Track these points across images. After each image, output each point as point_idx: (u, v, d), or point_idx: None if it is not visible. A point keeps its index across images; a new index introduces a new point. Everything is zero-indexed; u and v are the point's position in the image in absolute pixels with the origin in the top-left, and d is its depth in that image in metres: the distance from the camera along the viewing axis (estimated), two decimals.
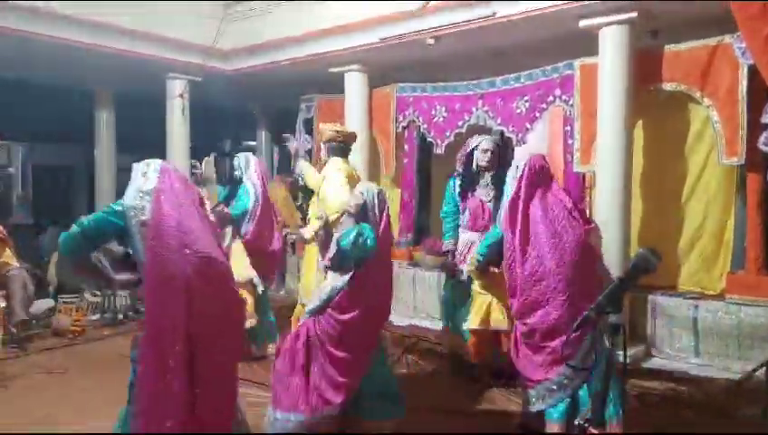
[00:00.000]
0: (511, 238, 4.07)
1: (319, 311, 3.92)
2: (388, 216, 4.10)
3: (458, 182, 5.46)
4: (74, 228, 3.17)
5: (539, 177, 4.10)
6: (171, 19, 7.83)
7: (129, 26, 7.45)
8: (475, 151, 5.32)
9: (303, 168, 5.48)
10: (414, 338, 6.51)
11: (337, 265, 3.92)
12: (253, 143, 11.82)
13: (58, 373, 5.54)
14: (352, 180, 5.02)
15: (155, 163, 3.30)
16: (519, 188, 4.07)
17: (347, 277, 3.88)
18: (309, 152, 8.94)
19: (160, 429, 2.98)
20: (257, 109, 11.40)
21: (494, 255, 4.66)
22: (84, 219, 3.22)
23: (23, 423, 4.38)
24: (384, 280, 4.11)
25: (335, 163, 5.21)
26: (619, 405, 3.83)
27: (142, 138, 8.08)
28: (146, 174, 3.26)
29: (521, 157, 4.42)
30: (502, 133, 6.83)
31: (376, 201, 4.02)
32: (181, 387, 3.00)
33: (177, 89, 8.62)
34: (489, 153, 5.21)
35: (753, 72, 5.29)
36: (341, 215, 4.32)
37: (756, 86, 5.24)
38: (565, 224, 4.07)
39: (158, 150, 6.08)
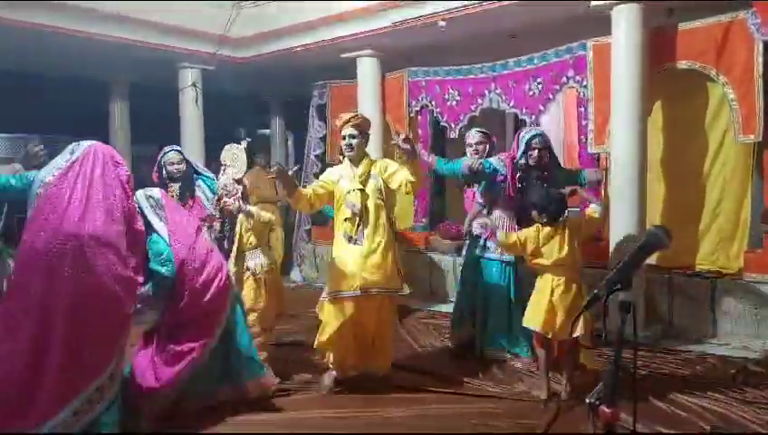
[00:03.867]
0: None
1: None
2: None
3: None
4: None
5: None
6: (183, 8, 7.85)
7: (142, 16, 7.48)
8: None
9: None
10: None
11: None
12: (266, 131, 11.86)
13: None
14: None
15: (84, 144, 3.34)
16: None
17: None
18: (322, 139, 8.96)
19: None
20: (270, 96, 11.43)
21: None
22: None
23: None
24: None
25: None
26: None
27: (157, 128, 8.12)
28: (73, 152, 3.33)
29: None
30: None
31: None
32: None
33: (189, 78, 8.66)
34: (474, 145, 5.60)
35: None
36: None
37: None
38: None
39: (173, 140, 6.08)
